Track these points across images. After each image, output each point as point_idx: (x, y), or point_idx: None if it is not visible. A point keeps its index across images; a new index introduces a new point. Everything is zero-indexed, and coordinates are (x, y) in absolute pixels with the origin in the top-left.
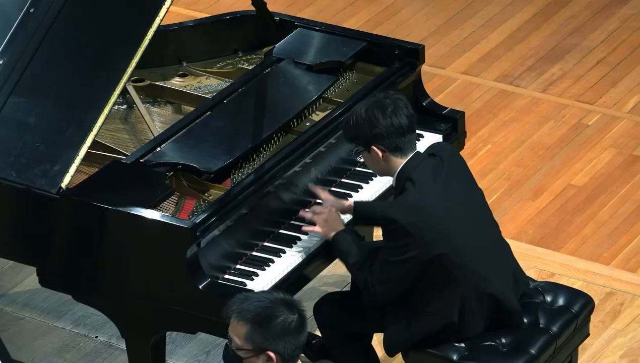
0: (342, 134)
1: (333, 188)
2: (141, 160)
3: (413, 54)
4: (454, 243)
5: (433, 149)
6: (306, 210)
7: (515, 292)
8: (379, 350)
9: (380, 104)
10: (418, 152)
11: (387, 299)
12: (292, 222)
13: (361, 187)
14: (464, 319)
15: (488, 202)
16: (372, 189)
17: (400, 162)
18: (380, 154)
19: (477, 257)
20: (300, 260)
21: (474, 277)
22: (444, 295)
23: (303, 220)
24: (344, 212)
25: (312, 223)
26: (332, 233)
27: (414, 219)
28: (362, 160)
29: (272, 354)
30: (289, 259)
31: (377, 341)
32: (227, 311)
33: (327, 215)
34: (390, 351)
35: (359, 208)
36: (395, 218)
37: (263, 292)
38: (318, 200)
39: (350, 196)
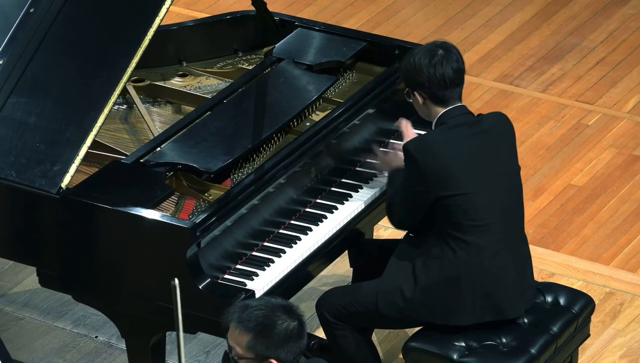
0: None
1: (333, 188)
2: (141, 160)
3: None
4: (466, 191)
5: (485, 114)
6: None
7: (519, 275)
8: (380, 350)
9: (431, 52)
10: (462, 105)
11: (403, 225)
12: (292, 221)
13: (361, 188)
14: (465, 276)
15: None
16: (372, 190)
17: (440, 111)
18: (421, 100)
19: (489, 215)
20: (300, 260)
21: (484, 236)
22: (449, 241)
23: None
24: None
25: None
26: (390, 168)
27: (426, 154)
28: (410, 100)
29: (274, 362)
30: (289, 259)
31: (377, 340)
32: (227, 320)
33: (391, 155)
34: (386, 306)
35: None
36: (409, 148)
37: (261, 299)
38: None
39: (350, 196)
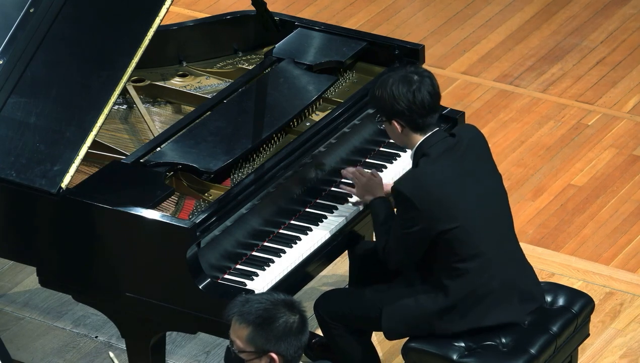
0: (368, 100)
1: (333, 189)
2: (141, 160)
3: (413, 54)
4: (462, 221)
5: (457, 129)
6: (349, 169)
7: (526, 286)
8: (380, 350)
9: (407, 80)
10: (439, 130)
11: (400, 266)
12: (292, 221)
13: None
14: (466, 303)
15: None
16: None
17: (418, 138)
18: (399, 128)
19: (486, 241)
20: (300, 260)
21: (481, 260)
22: (448, 272)
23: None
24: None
25: (352, 185)
26: (370, 198)
27: (421, 192)
28: (383, 127)
29: (274, 355)
30: (289, 259)
31: (377, 340)
32: (228, 314)
33: (367, 180)
34: (389, 331)
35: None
36: (402, 190)
37: (263, 293)
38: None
39: (351, 196)
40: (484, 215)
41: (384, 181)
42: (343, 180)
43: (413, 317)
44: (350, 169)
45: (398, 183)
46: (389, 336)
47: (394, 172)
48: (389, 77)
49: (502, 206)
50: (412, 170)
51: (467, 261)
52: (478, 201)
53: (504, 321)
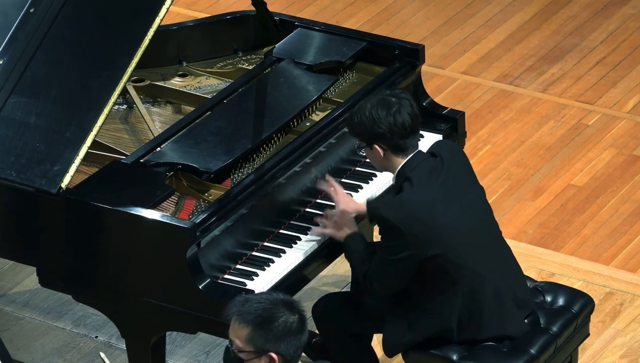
0: (346, 127)
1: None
2: (141, 160)
3: (413, 54)
4: (450, 243)
5: (435, 147)
6: (321, 214)
7: (517, 293)
8: (379, 350)
9: (386, 102)
10: (419, 151)
11: (384, 294)
12: (292, 222)
13: (361, 187)
14: (463, 321)
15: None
16: (373, 189)
17: (400, 162)
18: (381, 152)
19: (475, 257)
20: (300, 260)
21: (473, 277)
22: (442, 295)
23: (313, 224)
24: (358, 213)
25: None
26: (343, 235)
27: (407, 218)
28: (364, 153)
29: (274, 355)
30: (289, 259)
31: (377, 341)
32: (228, 313)
33: (337, 217)
34: (389, 352)
35: (370, 207)
36: (388, 217)
37: (263, 293)
38: (331, 203)
39: (350, 196)
40: (471, 232)
41: (361, 199)
42: (315, 229)
43: (409, 341)
44: (320, 219)
45: (383, 211)
46: (389, 355)
47: (391, 175)
48: (366, 102)
49: (487, 218)
50: (396, 196)
51: (458, 280)
52: (464, 219)
53: (499, 334)
